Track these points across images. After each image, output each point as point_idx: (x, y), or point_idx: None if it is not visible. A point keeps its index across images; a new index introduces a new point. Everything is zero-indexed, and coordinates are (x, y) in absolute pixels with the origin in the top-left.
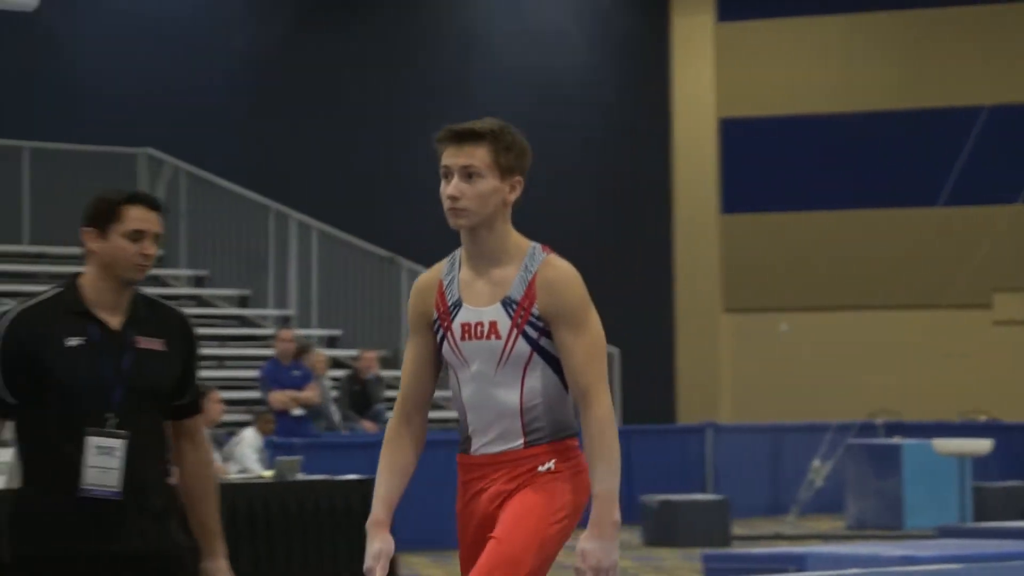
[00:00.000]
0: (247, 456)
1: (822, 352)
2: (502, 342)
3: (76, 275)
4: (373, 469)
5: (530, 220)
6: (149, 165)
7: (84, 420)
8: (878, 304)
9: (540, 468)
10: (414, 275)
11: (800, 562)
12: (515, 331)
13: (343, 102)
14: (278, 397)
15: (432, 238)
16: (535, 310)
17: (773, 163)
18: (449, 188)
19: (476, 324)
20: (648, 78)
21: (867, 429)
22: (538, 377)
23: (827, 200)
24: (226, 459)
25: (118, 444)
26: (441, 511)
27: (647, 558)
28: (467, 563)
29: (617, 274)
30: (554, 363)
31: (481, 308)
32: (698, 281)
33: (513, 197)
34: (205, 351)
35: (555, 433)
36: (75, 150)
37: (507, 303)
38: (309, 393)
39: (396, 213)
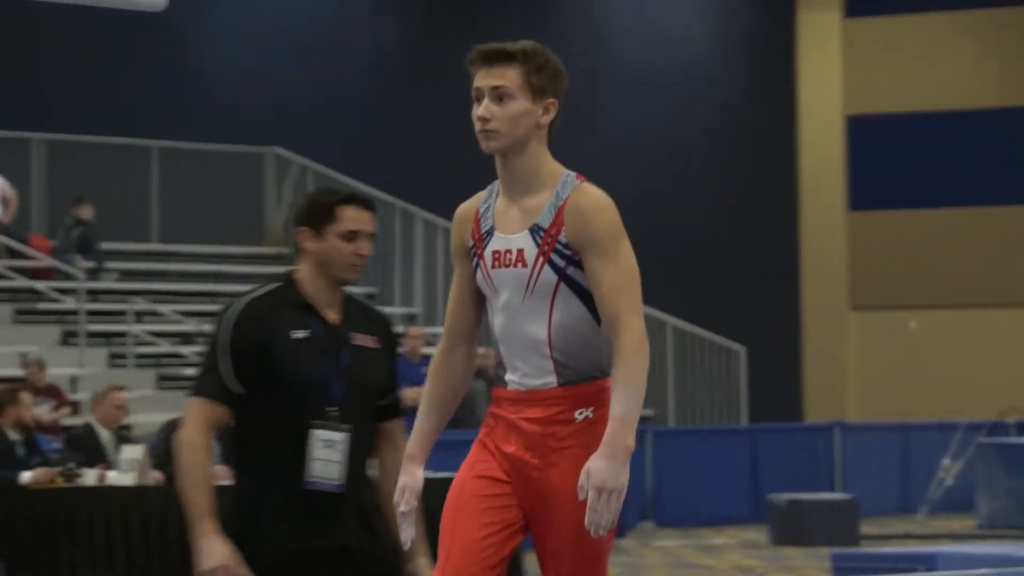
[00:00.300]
0: None
1: (951, 350)
2: (528, 270)
3: (291, 271)
4: None
5: (657, 216)
6: (277, 164)
7: (309, 413)
8: (1007, 302)
9: (577, 416)
10: None
11: (930, 562)
12: (541, 259)
13: (470, 102)
14: (409, 394)
15: None
16: (562, 237)
17: (901, 160)
18: (479, 110)
19: (505, 252)
20: (774, 75)
21: (997, 428)
22: (566, 309)
23: (956, 197)
24: None
25: (341, 438)
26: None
27: (775, 557)
28: (470, 494)
29: (744, 272)
30: (585, 296)
31: (511, 236)
32: (825, 279)
33: (546, 120)
34: None
35: (589, 373)
36: (204, 149)
37: (534, 230)
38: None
39: None
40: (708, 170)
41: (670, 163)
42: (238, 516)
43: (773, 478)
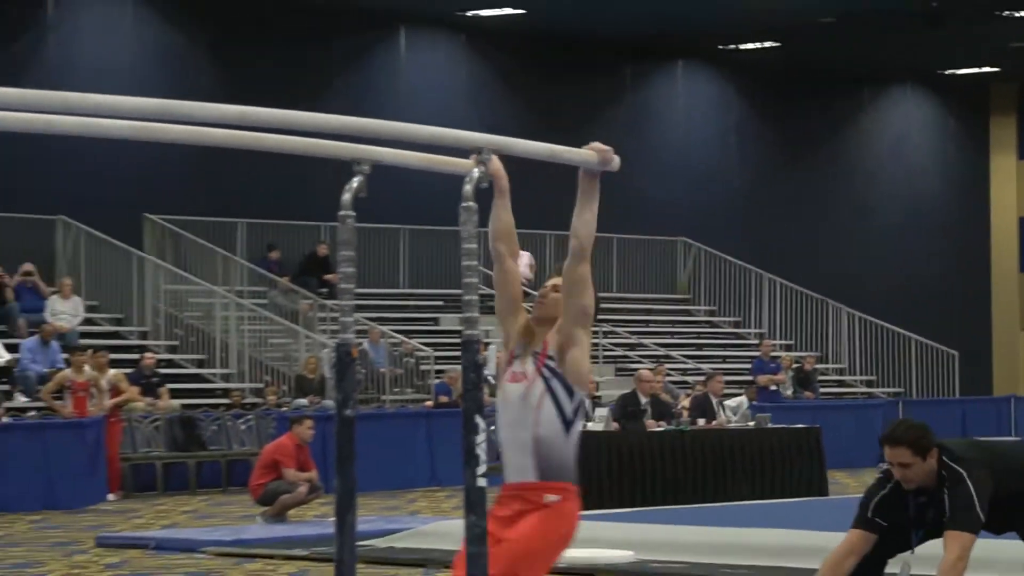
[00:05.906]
0: (739, 412)
1: None
2: (527, 383)
3: None
4: (812, 421)
5: (911, 282)
6: (683, 249)
7: None
8: None
9: (546, 499)
10: (839, 313)
11: None
12: (536, 373)
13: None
14: (761, 379)
15: (871, 287)
16: (550, 351)
17: None
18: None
19: (519, 372)
20: (976, 196)
21: None
22: (545, 420)
23: None
24: (728, 415)
25: None
26: None
27: None
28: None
29: (959, 307)
30: (559, 408)
31: (524, 360)
32: (1007, 305)
33: None
34: (714, 355)
35: (561, 475)
36: (633, 239)
37: (534, 354)
38: (780, 376)
39: (830, 264)
40: (937, 254)
41: (914, 252)
42: None
43: (976, 431)
